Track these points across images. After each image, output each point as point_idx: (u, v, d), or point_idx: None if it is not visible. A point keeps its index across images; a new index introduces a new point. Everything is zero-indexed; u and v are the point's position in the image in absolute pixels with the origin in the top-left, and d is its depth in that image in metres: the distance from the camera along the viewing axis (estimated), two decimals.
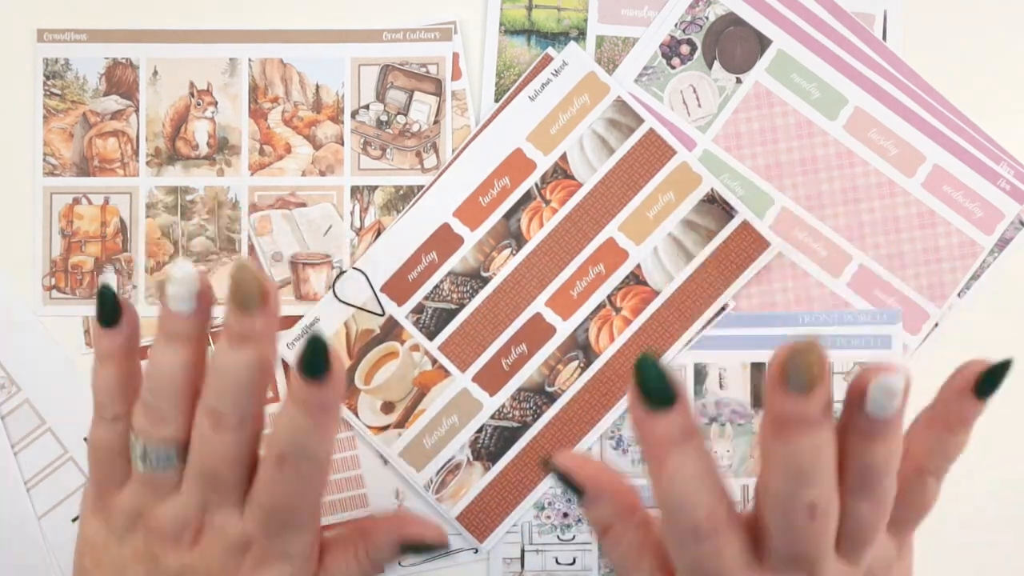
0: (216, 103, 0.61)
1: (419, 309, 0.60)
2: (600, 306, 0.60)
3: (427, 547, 0.47)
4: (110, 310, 0.45)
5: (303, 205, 0.61)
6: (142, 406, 0.45)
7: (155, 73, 0.61)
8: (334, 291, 0.60)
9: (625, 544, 0.45)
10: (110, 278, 0.61)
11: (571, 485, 0.45)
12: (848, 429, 0.40)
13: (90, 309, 0.60)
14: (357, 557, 0.48)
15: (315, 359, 0.41)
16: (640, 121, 0.60)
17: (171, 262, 0.49)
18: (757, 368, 0.60)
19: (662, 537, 0.43)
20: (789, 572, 0.42)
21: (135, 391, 0.45)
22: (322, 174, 0.61)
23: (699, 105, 0.61)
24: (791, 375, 0.37)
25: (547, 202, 0.60)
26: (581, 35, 0.61)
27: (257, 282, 0.44)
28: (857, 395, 0.39)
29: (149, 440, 0.45)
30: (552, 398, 0.60)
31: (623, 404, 0.60)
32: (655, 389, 0.39)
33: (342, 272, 0.60)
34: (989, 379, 0.42)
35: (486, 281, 0.60)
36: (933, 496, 0.44)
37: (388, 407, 0.60)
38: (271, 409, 0.59)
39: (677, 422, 0.39)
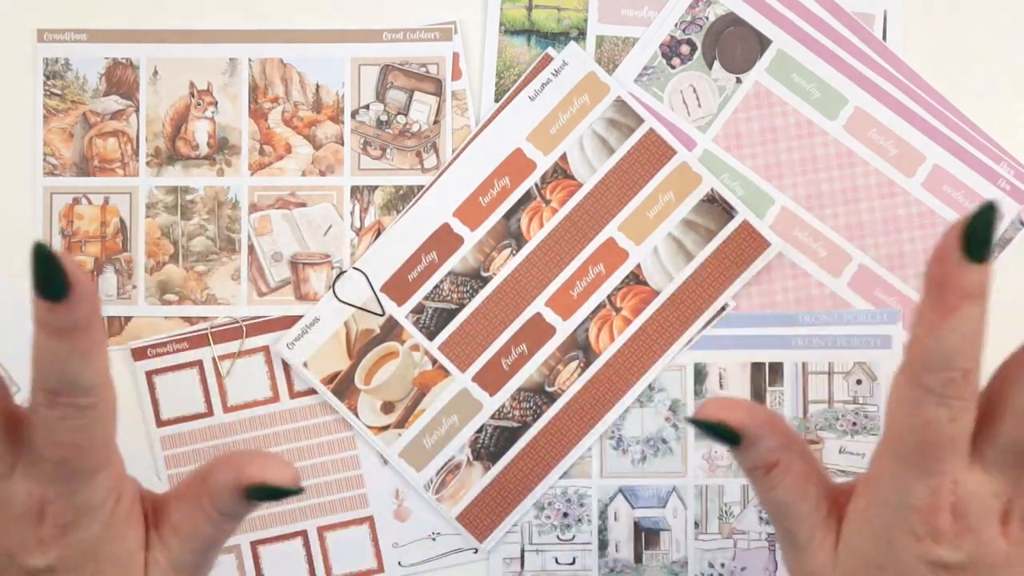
0: (216, 103, 0.61)
1: (419, 309, 0.60)
2: (600, 306, 0.60)
3: (274, 490, 0.43)
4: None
5: (303, 205, 0.61)
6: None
7: (155, 73, 0.61)
8: (334, 291, 0.60)
9: (793, 474, 0.44)
10: (109, 279, 0.61)
11: (726, 434, 0.44)
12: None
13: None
14: (203, 509, 0.44)
15: (49, 275, 0.37)
16: (640, 121, 0.60)
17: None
18: (757, 368, 0.60)
19: (816, 471, 0.44)
20: (1006, 463, 0.41)
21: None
22: (322, 174, 0.61)
23: (699, 105, 0.61)
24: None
25: (547, 202, 0.60)
26: (581, 35, 0.61)
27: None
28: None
29: None
30: (552, 398, 0.60)
31: (623, 404, 0.60)
32: (980, 241, 0.38)
33: (342, 272, 0.60)
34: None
35: (486, 281, 0.60)
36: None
37: (388, 407, 0.60)
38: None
39: (983, 279, 0.38)
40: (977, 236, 0.37)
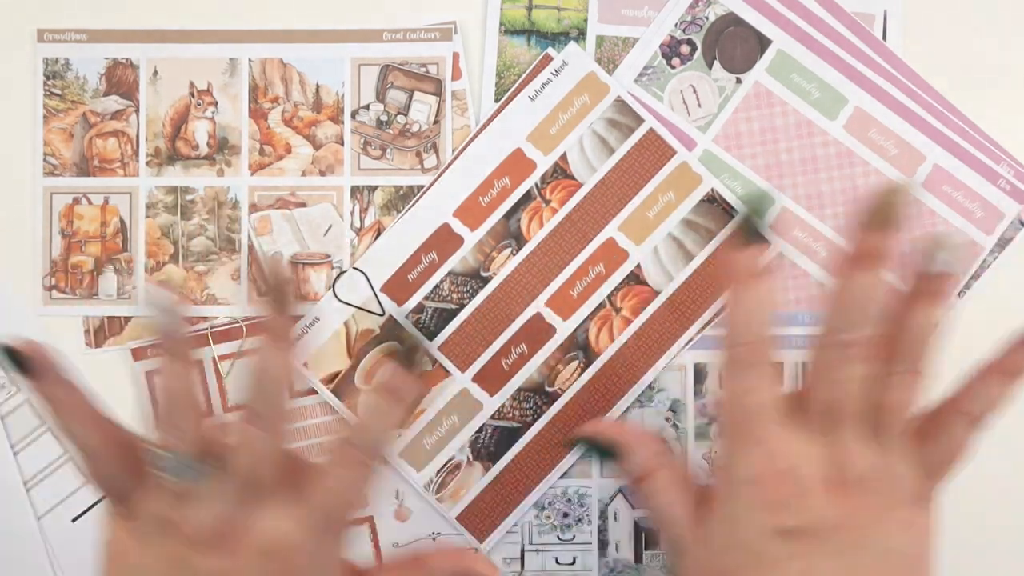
0: (216, 103, 0.61)
1: (419, 309, 0.60)
2: (600, 306, 0.60)
3: None
4: (20, 362, 0.45)
5: (303, 205, 0.61)
6: (158, 421, 0.46)
7: (155, 73, 0.61)
8: (334, 291, 0.60)
9: (665, 481, 0.48)
10: (109, 279, 0.61)
11: (602, 448, 0.49)
12: (908, 298, 0.45)
13: (91, 309, 0.60)
14: None
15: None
16: (640, 121, 0.60)
17: (146, 292, 0.48)
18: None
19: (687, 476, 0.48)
20: (821, 425, 0.45)
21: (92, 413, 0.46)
22: (322, 174, 0.61)
23: (699, 105, 0.61)
24: (873, 213, 0.43)
25: (547, 202, 0.60)
26: (581, 35, 0.61)
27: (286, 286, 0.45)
28: (920, 257, 0.45)
29: (166, 450, 0.45)
30: (552, 398, 0.60)
31: (623, 404, 0.60)
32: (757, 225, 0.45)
33: (342, 272, 0.60)
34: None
35: (486, 281, 0.60)
36: (964, 443, 0.46)
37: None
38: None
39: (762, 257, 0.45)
40: (752, 223, 0.46)
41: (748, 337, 0.45)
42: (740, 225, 0.46)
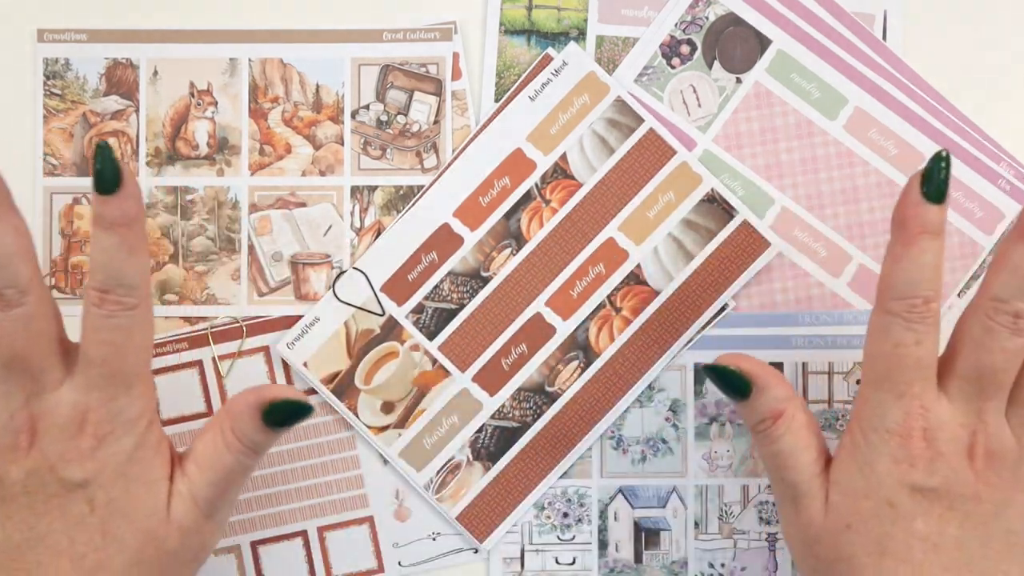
0: (216, 103, 0.61)
1: (419, 309, 0.60)
2: (600, 306, 0.60)
3: (289, 409, 0.47)
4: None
5: (303, 205, 0.61)
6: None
7: (155, 73, 0.61)
8: (334, 291, 0.60)
9: (797, 424, 0.49)
10: None
11: (739, 381, 0.49)
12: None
13: None
14: (224, 436, 0.47)
15: (106, 170, 0.43)
16: (640, 121, 0.60)
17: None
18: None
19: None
20: (967, 392, 0.46)
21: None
22: (322, 174, 0.61)
23: (699, 105, 0.61)
24: None
25: (547, 202, 0.60)
26: (581, 35, 0.61)
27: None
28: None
29: None
30: (552, 398, 0.60)
31: (623, 404, 0.60)
32: (936, 183, 0.45)
33: (342, 272, 0.60)
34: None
35: (486, 281, 0.60)
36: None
37: (388, 407, 0.60)
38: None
39: (939, 217, 0.45)
40: (933, 179, 0.45)
41: (917, 292, 0.45)
42: (924, 180, 0.45)
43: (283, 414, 0.47)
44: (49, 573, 0.44)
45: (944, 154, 0.45)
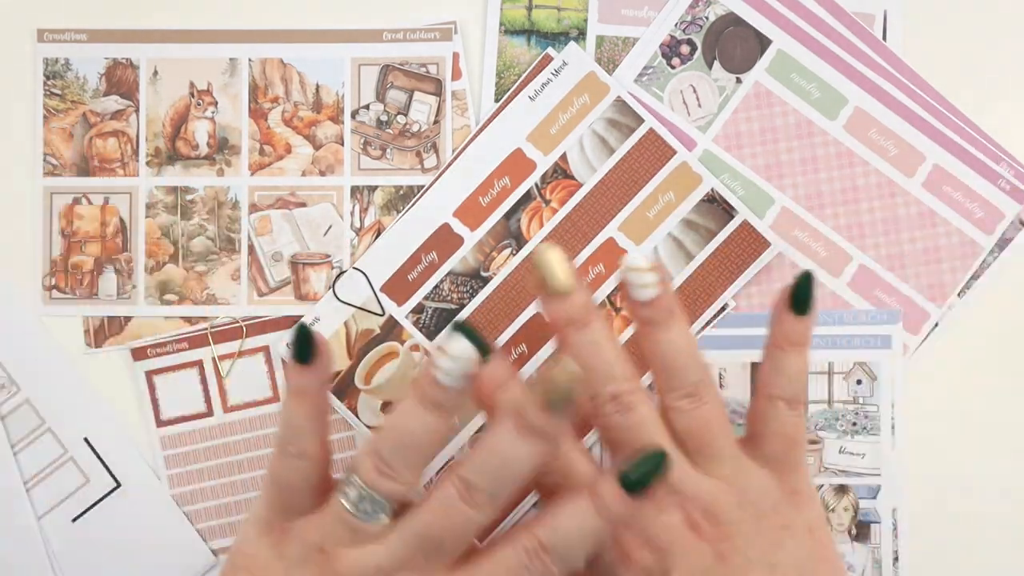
0: (216, 103, 0.61)
1: (419, 309, 0.60)
2: (600, 306, 0.60)
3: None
4: (306, 347, 0.45)
5: (303, 205, 0.61)
6: (374, 456, 0.44)
7: (155, 73, 0.61)
8: (334, 291, 0.60)
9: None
10: (109, 279, 0.61)
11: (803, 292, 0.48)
12: (636, 325, 0.48)
13: (91, 309, 0.60)
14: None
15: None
16: (640, 121, 0.60)
17: (447, 336, 0.44)
18: (757, 368, 0.60)
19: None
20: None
21: (323, 428, 0.46)
22: (322, 174, 0.61)
23: (699, 105, 0.61)
24: (545, 277, 0.46)
25: (547, 202, 0.60)
26: (581, 35, 0.61)
27: (571, 388, 0.42)
28: (622, 290, 0.48)
29: (374, 490, 0.43)
30: None
31: None
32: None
33: (342, 272, 0.60)
34: (797, 294, 0.47)
35: (486, 281, 0.60)
36: (789, 423, 0.47)
37: (388, 407, 0.60)
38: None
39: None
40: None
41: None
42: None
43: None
44: None
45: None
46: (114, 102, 0.61)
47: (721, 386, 0.60)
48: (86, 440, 0.60)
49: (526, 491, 0.55)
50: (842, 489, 0.60)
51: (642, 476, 0.43)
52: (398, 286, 0.60)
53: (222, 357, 0.61)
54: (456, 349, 0.42)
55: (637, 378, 0.46)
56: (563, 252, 0.45)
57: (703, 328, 0.60)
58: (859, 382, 0.60)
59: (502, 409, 0.43)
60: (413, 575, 0.43)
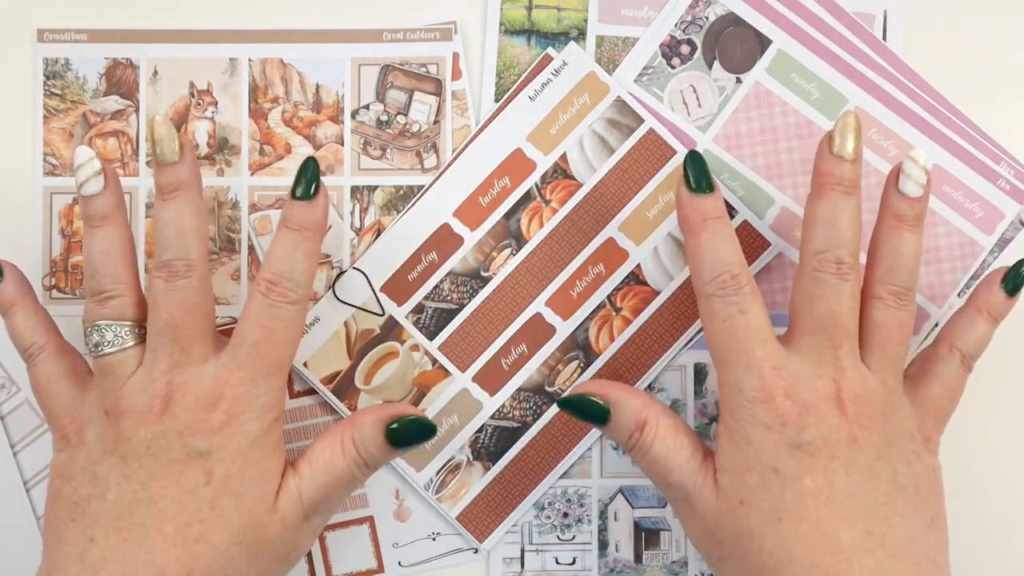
0: (216, 103, 0.61)
1: (419, 309, 0.60)
2: (600, 306, 0.60)
3: (413, 429, 0.51)
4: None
5: None
6: (87, 295, 0.50)
7: (155, 73, 0.61)
8: (334, 291, 0.60)
9: (663, 429, 0.51)
10: None
11: (593, 410, 0.51)
12: (883, 217, 0.50)
13: None
14: (343, 446, 0.51)
15: (309, 180, 0.50)
16: (640, 121, 0.60)
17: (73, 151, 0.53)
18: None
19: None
20: (814, 345, 0.49)
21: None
22: (322, 174, 0.61)
23: (699, 105, 0.61)
24: (837, 140, 0.49)
25: (547, 202, 0.60)
26: (581, 35, 0.61)
27: (173, 136, 0.49)
28: (893, 178, 0.50)
29: (101, 319, 0.49)
30: (552, 398, 0.60)
31: None
32: (697, 178, 0.50)
33: (342, 272, 0.60)
34: (1013, 276, 0.52)
35: (486, 281, 0.60)
36: (958, 378, 0.52)
37: None
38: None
39: (715, 204, 0.50)
40: (692, 175, 0.50)
41: (721, 270, 0.49)
42: (686, 178, 0.51)
43: (407, 433, 0.51)
44: (151, 536, 0.46)
45: (692, 152, 0.51)
46: (114, 102, 0.61)
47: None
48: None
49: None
50: None
51: None
52: (398, 286, 0.60)
53: None
54: (80, 157, 0.50)
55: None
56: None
57: (703, 328, 0.60)
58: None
59: None
60: (177, 372, 0.48)
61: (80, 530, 0.47)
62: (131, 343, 0.49)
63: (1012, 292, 0.52)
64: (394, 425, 0.50)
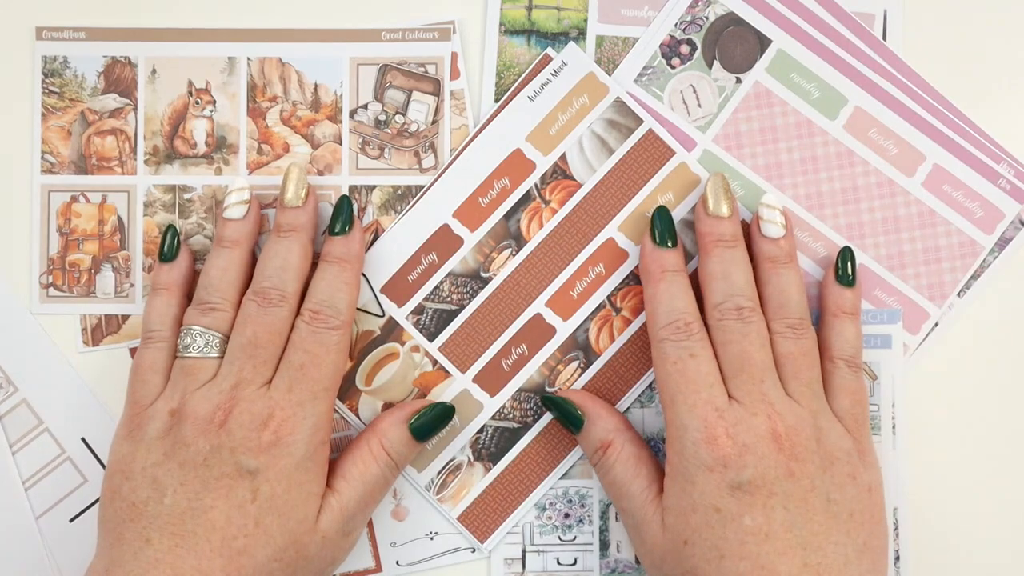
0: (214, 102, 0.61)
1: (419, 310, 0.60)
2: (600, 306, 0.60)
3: (434, 415, 0.56)
4: (170, 249, 0.57)
5: None
6: (195, 303, 0.55)
7: (154, 72, 0.61)
8: None
9: (625, 454, 0.54)
10: (107, 277, 0.60)
11: (570, 414, 0.56)
12: (759, 262, 0.55)
13: (88, 307, 0.60)
14: (373, 453, 0.55)
15: (342, 216, 0.56)
16: (639, 122, 0.60)
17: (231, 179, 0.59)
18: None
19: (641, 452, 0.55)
20: (741, 386, 0.52)
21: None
22: (320, 173, 0.61)
23: (699, 105, 0.61)
24: (711, 203, 0.55)
25: (547, 202, 0.60)
26: (581, 35, 0.61)
27: (303, 184, 0.56)
28: (755, 227, 0.56)
29: (198, 325, 0.53)
30: None
31: (623, 404, 0.60)
32: (663, 232, 0.55)
33: None
34: (841, 267, 0.56)
35: (486, 282, 0.60)
36: (855, 381, 0.54)
37: (389, 408, 0.60)
38: None
39: (675, 258, 0.55)
40: (658, 228, 0.56)
41: (675, 317, 0.53)
42: (652, 230, 0.56)
43: (430, 422, 0.56)
44: (200, 544, 0.49)
45: (660, 208, 0.56)
46: (112, 100, 0.61)
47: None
48: (83, 440, 0.60)
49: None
50: None
51: None
52: (398, 287, 0.60)
53: None
54: (234, 185, 0.56)
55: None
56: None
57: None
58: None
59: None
60: (242, 389, 0.51)
61: (138, 530, 0.50)
62: (215, 354, 0.53)
63: (849, 283, 0.56)
64: (415, 420, 0.55)
